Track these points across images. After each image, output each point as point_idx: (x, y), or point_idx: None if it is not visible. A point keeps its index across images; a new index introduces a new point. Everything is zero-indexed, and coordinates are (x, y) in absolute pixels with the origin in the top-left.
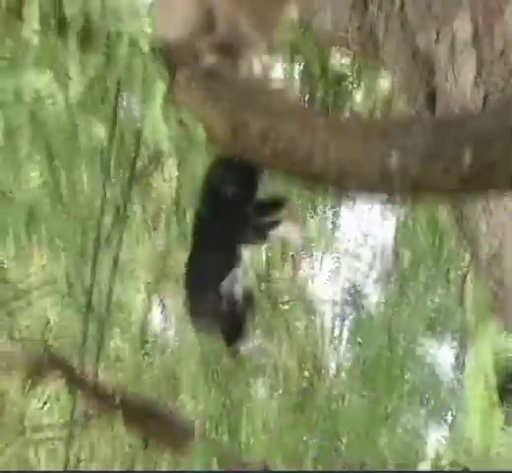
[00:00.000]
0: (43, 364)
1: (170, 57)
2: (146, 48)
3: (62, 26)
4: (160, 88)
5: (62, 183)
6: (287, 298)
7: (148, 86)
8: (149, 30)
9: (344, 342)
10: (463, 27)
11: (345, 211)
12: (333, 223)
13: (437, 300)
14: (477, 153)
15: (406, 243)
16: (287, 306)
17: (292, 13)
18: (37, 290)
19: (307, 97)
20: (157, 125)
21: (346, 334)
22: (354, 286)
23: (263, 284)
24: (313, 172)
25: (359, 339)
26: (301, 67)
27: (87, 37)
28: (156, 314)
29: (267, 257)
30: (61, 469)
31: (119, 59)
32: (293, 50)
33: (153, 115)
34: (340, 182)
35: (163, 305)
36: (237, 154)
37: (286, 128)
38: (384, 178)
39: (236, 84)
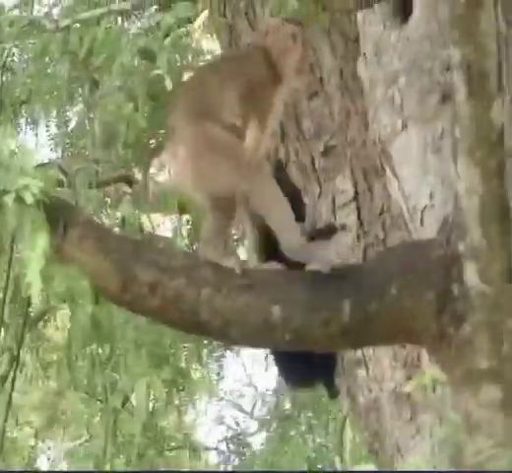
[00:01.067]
0: None
1: (57, 213)
2: (32, 204)
3: None
4: (41, 243)
5: None
6: (173, 444)
7: (33, 240)
8: (35, 187)
9: None
10: (344, 184)
11: (229, 359)
12: (218, 372)
13: (317, 443)
14: (355, 305)
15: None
16: (173, 453)
17: None
18: None
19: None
20: (35, 280)
21: None
22: (237, 433)
23: (148, 432)
24: (199, 322)
25: None
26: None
27: None
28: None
29: (153, 406)
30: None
31: (8, 213)
32: (182, 209)
33: (34, 270)
34: (225, 332)
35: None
36: (126, 304)
37: (173, 281)
38: (267, 329)
39: (127, 238)
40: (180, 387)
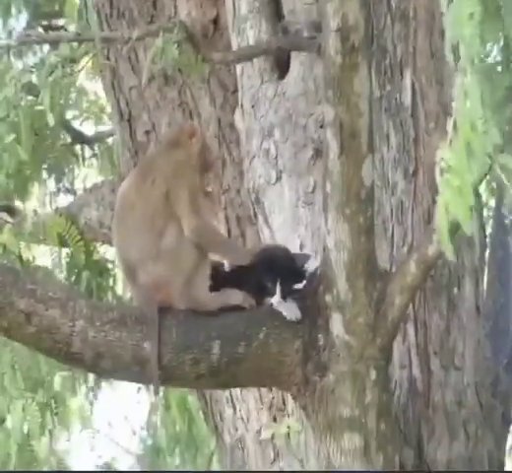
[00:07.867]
0: None
1: None
2: None
3: None
4: None
5: None
6: (46, 468)
7: None
8: None
9: None
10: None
11: (103, 391)
12: (91, 402)
13: None
14: (224, 348)
15: (159, 424)
16: None
17: None
18: None
19: (72, 283)
20: None
21: None
22: (108, 463)
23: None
24: (72, 353)
25: None
26: (68, 256)
27: None
28: None
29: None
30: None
31: None
32: (61, 241)
33: None
34: (96, 364)
35: None
36: (3, 330)
37: (48, 310)
38: (137, 364)
39: (6, 266)
40: (54, 412)
